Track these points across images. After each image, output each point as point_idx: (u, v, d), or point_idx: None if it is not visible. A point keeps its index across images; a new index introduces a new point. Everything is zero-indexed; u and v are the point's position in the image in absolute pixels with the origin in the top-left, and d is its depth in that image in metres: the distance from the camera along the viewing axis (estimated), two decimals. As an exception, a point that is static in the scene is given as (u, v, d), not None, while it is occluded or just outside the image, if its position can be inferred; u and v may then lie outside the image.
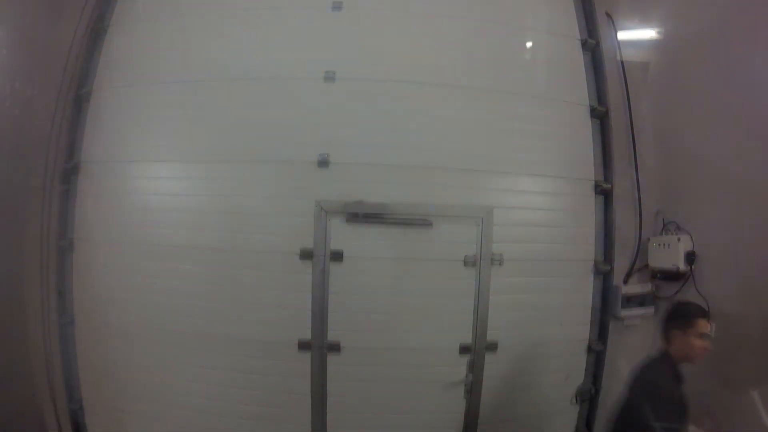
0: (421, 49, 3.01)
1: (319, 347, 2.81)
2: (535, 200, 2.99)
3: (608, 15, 3.31)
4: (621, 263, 3.12)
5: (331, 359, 2.83)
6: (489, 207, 2.89)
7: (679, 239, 2.85)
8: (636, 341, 3.17)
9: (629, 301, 3.06)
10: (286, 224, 2.83)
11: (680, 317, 2.08)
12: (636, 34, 3.33)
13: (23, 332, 2.97)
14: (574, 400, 3.10)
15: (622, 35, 3.30)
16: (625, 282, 3.12)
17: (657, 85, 3.24)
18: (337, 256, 2.81)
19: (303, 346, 2.81)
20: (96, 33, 3.23)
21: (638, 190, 3.17)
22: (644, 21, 3.30)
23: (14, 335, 2.95)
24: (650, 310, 3.13)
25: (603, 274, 3.10)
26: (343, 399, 2.86)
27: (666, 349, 2.08)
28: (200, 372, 2.89)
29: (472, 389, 2.90)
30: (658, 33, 3.24)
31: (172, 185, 2.96)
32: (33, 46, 3.04)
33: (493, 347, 2.91)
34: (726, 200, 2.69)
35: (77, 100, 3.15)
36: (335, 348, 2.82)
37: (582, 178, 3.11)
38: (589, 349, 3.09)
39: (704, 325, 2.03)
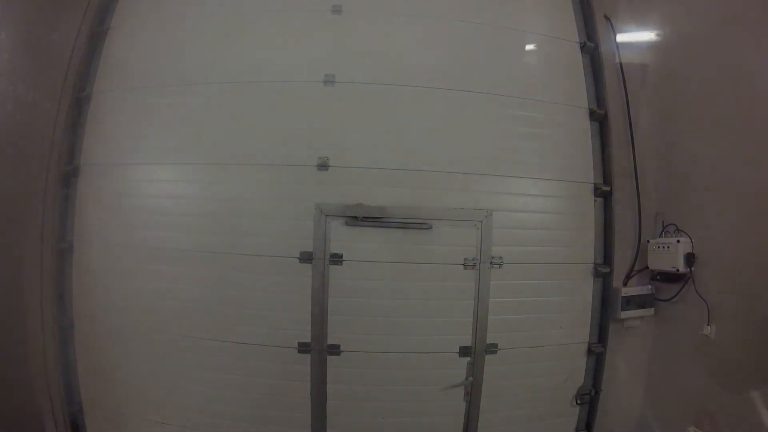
0: (420, 52, 3.02)
1: (319, 349, 2.81)
2: (534, 203, 3.00)
3: (607, 18, 3.32)
4: (620, 265, 3.13)
5: (331, 361, 2.83)
6: (488, 210, 2.90)
7: (678, 241, 2.85)
8: (636, 343, 3.19)
9: (629, 303, 3.06)
10: (285, 227, 2.83)
11: None
12: (635, 36, 3.34)
13: (23, 334, 2.97)
14: (574, 402, 3.11)
15: (621, 38, 3.31)
16: (625, 284, 3.12)
17: (656, 88, 3.25)
18: (336, 259, 2.82)
19: (303, 348, 2.81)
20: (96, 36, 3.24)
21: (637, 193, 3.17)
22: (643, 24, 3.31)
23: (14, 337, 2.95)
24: (650, 311, 3.13)
25: (603, 276, 3.11)
26: (342, 401, 2.86)
27: None
28: (200, 374, 2.89)
29: (472, 391, 2.91)
30: (657, 35, 3.26)
31: (172, 188, 2.96)
32: (34, 50, 3.04)
33: (493, 349, 2.91)
34: (725, 202, 2.70)
35: (77, 102, 3.15)
36: (335, 350, 2.82)
37: (581, 181, 3.11)
38: (589, 351, 3.09)
39: None
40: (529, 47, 3.20)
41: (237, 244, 2.84)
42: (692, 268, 2.81)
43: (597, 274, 3.09)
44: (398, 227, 2.84)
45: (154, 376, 2.94)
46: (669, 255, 2.90)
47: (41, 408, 2.99)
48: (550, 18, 3.26)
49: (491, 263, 2.89)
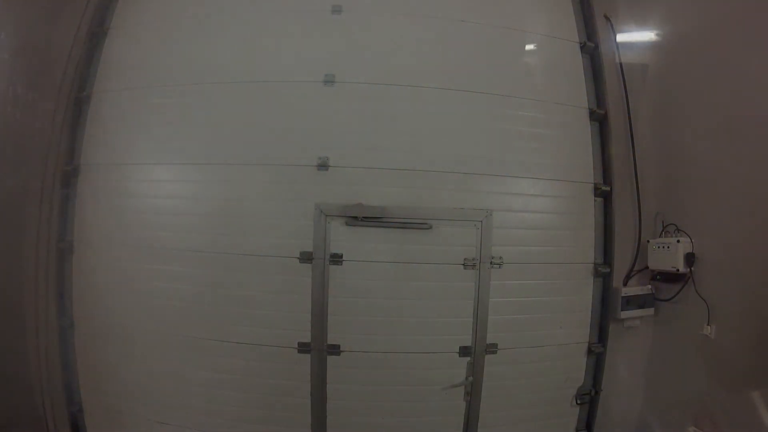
0: (420, 52, 3.02)
1: (319, 349, 2.81)
2: (534, 203, 3.00)
3: (607, 18, 3.32)
4: (620, 265, 3.13)
5: (331, 361, 2.83)
6: (488, 210, 2.90)
7: (678, 241, 2.85)
8: (636, 343, 3.19)
9: (629, 302, 3.06)
10: (285, 227, 2.83)
11: None
12: (635, 36, 3.34)
13: (23, 334, 2.97)
14: (574, 402, 3.11)
15: (621, 38, 3.31)
16: (625, 284, 3.12)
17: (656, 88, 3.25)
18: (336, 259, 2.82)
19: (303, 348, 2.81)
20: (96, 36, 3.24)
21: (637, 192, 3.17)
22: (643, 23, 3.31)
23: (14, 337, 2.95)
24: (650, 311, 3.13)
25: (603, 276, 3.10)
26: (342, 401, 2.86)
27: None
28: (200, 374, 2.89)
29: (472, 391, 2.91)
30: (657, 35, 3.25)
31: (172, 188, 2.96)
32: (33, 50, 3.05)
33: (493, 349, 2.91)
34: (725, 202, 2.70)
35: (77, 102, 3.15)
36: (335, 350, 2.82)
37: (581, 181, 3.11)
38: (589, 351, 3.09)
39: None
40: (529, 47, 3.19)
41: (237, 244, 2.84)
42: (692, 268, 2.81)
43: (597, 274, 3.09)
44: (398, 227, 2.83)
45: (154, 376, 2.94)
46: (669, 255, 2.90)
47: (41, 408, 2.99)
48: (550, 18, 3.26)
49: (491, 263, 2.89)
